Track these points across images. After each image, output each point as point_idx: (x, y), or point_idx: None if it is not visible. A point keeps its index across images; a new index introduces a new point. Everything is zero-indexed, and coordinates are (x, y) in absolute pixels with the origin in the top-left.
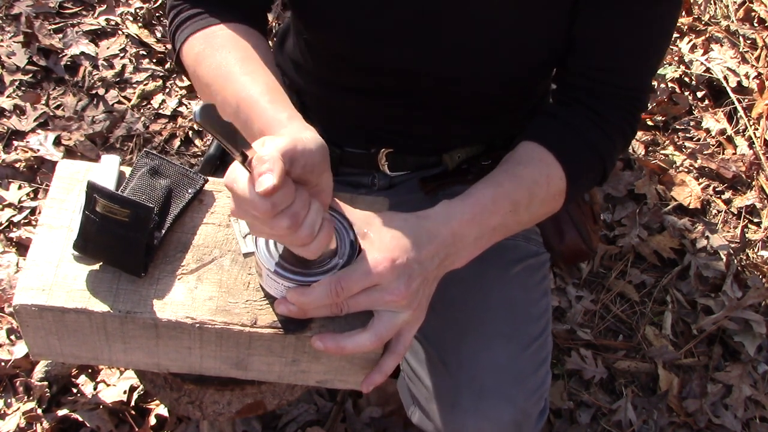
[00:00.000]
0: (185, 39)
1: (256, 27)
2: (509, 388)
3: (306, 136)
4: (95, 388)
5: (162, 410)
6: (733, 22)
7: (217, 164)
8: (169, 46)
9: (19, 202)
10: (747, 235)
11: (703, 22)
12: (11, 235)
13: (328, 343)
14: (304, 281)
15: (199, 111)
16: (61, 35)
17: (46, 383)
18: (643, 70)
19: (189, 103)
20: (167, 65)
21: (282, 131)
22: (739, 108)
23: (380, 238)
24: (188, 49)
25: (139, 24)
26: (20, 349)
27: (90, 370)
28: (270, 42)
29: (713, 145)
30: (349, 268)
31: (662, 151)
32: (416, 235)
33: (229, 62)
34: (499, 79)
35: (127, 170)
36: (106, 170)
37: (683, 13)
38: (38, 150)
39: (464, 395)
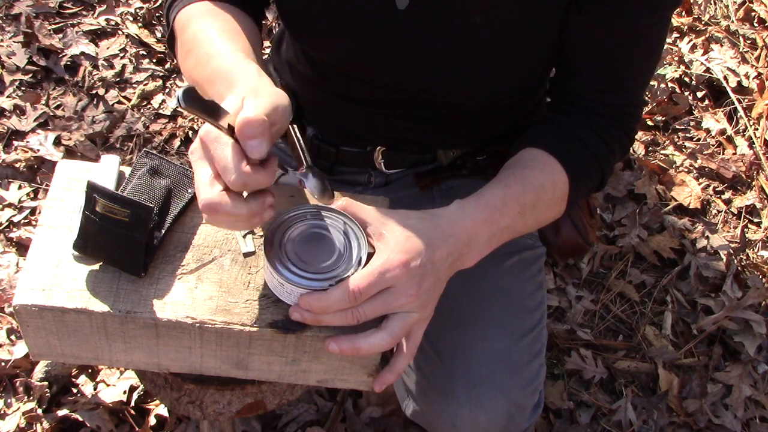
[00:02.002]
0: (176, 14)
1: (247, 10)
2: (503, 378)
3: (279, 93)
4: (95, 388)
5: (162, 410)
6: (733, 22)
7: None
8: None
9: (19, 202)
10: (747, 235)
11: (703, 22)
12: (11, 235)
13: (343, 345)
14: (308, 285)
15: (182, 95)
16: (61, 35)
17: (46, 383)
18: (636, 87)
19: None
20: (167, 65)
21: (249, 81)
22: (739, 108)
23: (395, 239)
24: (177, 23)
25: (139, 24)
26: (20, 349)
27: (90, 370)
28: (269, 44)
29: (713, 145)
30: (363, 270)
31: (662, 151)
32: (431, 235)
33: (208, 28)
34: (490, 95)
35: (127, 170)
36: (106, 170)
37: (683, 13)
38: (38, 150)
39: (458, 385)
